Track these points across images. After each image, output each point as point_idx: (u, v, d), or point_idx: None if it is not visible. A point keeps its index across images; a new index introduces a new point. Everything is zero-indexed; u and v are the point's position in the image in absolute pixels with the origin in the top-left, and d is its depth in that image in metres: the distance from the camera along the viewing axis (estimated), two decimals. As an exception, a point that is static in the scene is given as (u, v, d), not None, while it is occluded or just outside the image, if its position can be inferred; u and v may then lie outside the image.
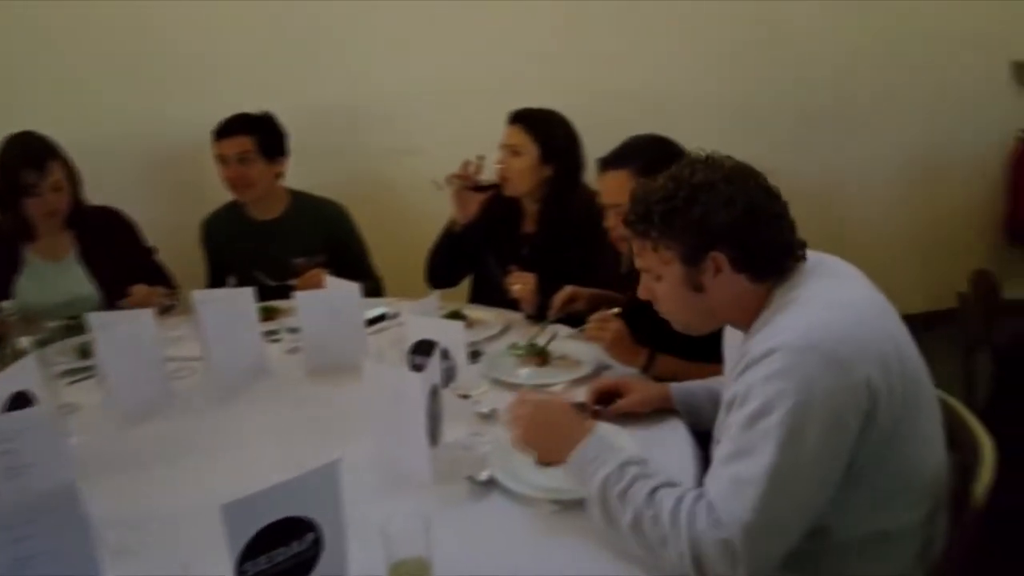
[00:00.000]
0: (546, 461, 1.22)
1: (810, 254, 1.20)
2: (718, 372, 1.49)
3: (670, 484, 1.10)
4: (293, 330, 1.92)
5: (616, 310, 1.77)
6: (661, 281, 1.21)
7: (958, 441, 1.26)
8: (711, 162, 1.18)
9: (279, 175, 2.48)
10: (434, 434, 1.36)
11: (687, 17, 3.05)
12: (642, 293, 1.26)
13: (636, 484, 1.09)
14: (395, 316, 2.03)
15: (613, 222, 1.73)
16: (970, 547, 1.17)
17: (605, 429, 1.25)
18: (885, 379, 1.05)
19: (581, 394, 1.56)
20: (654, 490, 1.08)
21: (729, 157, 1.20)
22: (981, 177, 3.47)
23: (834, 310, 1.09)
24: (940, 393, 1.25)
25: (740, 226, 1.12)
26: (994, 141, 3.43)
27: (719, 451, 1.10)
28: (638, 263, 1.24)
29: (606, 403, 1.52)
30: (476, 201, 2.19)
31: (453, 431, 1.43)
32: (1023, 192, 3.42)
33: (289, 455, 1.42)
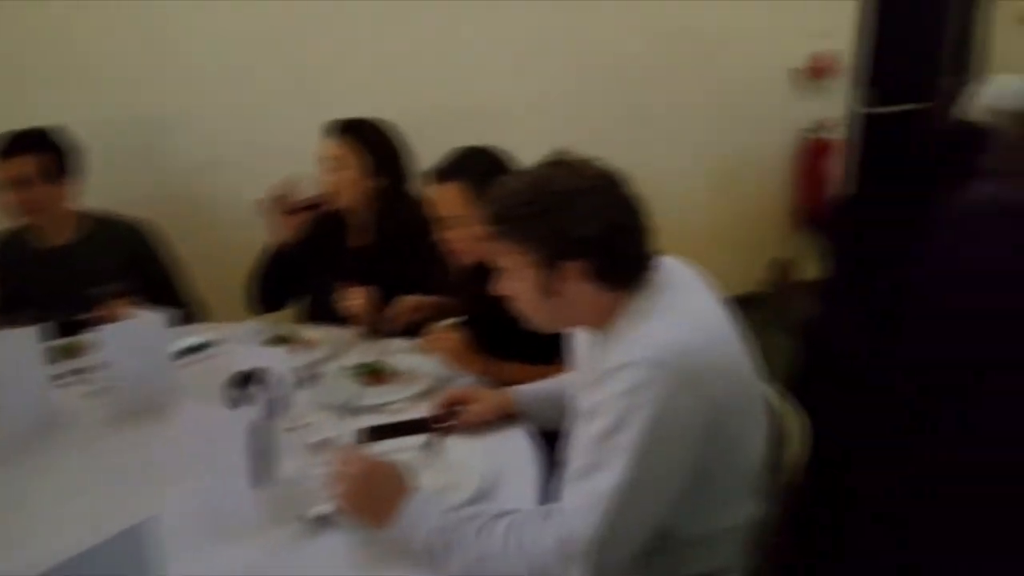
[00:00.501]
0: (370, 526, 1.16)
1: (664, 262, 1.22)
2: (562, 371, 1.51)
3: (500, 515, 1.10)
4: (94, 369, 1.72)
5: (455, 319, 1.74)
6: (516, 282, 1.19)
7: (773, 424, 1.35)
8: (576, 169, 1.16)
9: (68, 196, 2.21)
10: (262, 473, 1.26)
11: (493, 24, 3.08)
12: (498, 290, 1.24)
13: (462, 530, 1.08)
14: (213, 345, 1.88)
15: (449, 234, 1.71)
16: (787, 523, 1.25)
17: (428, 487, 1.22)
18: (731, 388, 1.10)
19: (423, 409, 1.52)
20: (480, 529, 1.08)
21: (595, 162, 1.17)
22: (773, 173, 3.81)
23: (685, 324, 1.10)
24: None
25: (600, 238, 1.11)
26: (780, 140, 3.78)
27: (572, 464, 1.10)
28: (495, 260, 1.22)
29: (451, 416, 1.49)
30: (293, 223, 2.08)
31: (287, 466, 1.34)
32: (807, 185, 3.81)
33: (93, 515, 1.26)
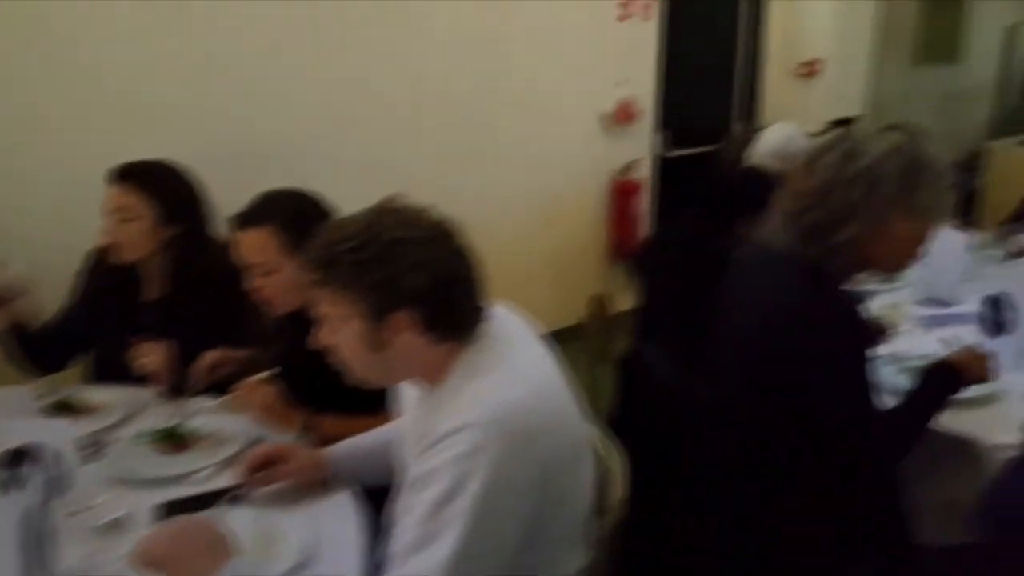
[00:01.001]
0: None
1: (495, 311, 1.19)
2: (386, 421, 1.44)
3: None
4: None
5: (267, 372, 1.63)
6: (339, 332, 1.12)
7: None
8: (407, 216, 1.11)
9: None
10: (37, 567, 1.09)
11: (311, 63, 2.99)
12: (317, 342, 1.16)
13: None
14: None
15: (257, 282, 1.60)
16: (612, 560, 1.27)
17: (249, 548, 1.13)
18: (561, 441, 1.09)
19: (232, 476, 1.39)
20: None
21: (427, 211, 1.13)
22: (589, 212, 4.00)
23: (518, 380, 1.08)
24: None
25: (430, 289, 1.07)
26: (594, 181, 3.98)
27: (404, 536, 1.04)
28: (315, 310, 1.14)
29: (261, 478, 1.37)
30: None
31: (70, 555, 1.17)
32: (619, 223, 4.02)
33: None
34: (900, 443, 1.43)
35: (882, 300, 2.30)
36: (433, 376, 1.14)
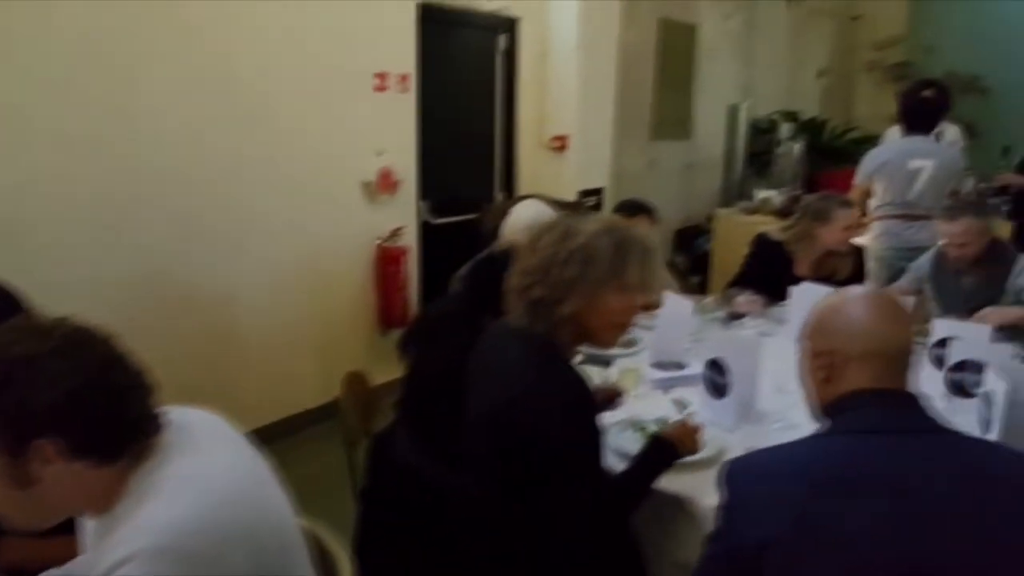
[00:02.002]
0: None
1: (174, 418, 1.06)
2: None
3: None
4: None
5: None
6: None
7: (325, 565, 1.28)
8: (38, 331, 0.96)
9: None
10: None
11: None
12: None
13: None
14: None
15: None
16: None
17: None
18: (262, 549, 0.99)
19: None
20: None
21: (64, 320, 0.98)
22: (355, 281, 3.91)
23: (195, 497, 0.96)
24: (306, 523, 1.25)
25: (71, 407, 0.93)
26: (361, 250, 3.91)
27: None
28: None
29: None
30: None
31: None
32: (385, 290, 3.97)
33: None
34: (620, 509, 1.52)
35: (622, 364, 2.44)
36: (101, 505, 0.99)
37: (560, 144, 4.63)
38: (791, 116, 6.63)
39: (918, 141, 4.03)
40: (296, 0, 3.38)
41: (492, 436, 1.48)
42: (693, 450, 1.64)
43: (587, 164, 4.70)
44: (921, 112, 4.05)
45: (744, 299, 2.90)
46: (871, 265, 4.06)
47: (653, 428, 1.93)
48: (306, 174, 3.56)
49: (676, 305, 2.59)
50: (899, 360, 1.18)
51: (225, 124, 3.23)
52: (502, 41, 4.49)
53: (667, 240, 6.21)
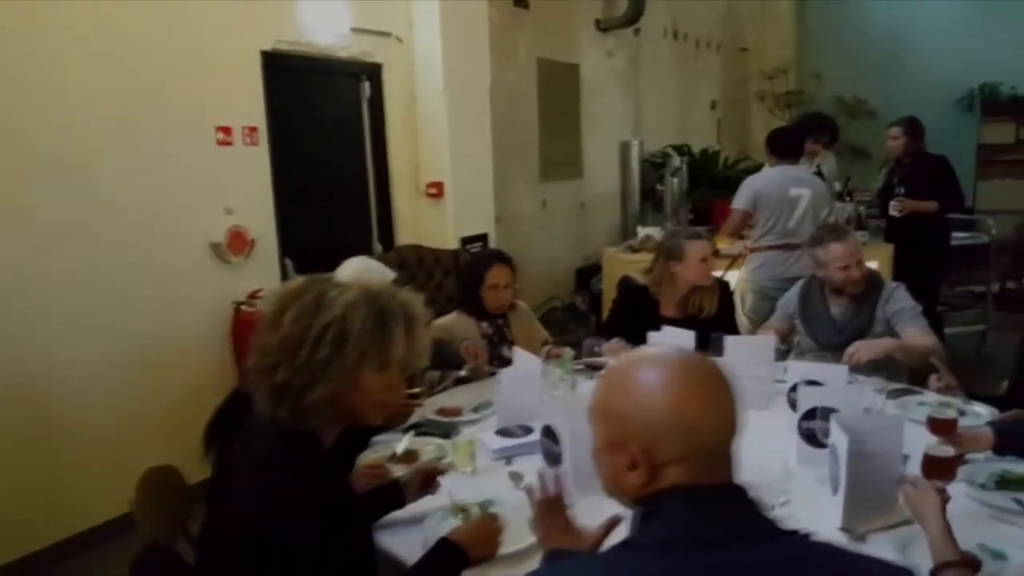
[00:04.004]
0: None
1: None
2: None
3: None
4: None
5: None
6: None
7: None
8: None
9: None
10: None
11: None
12: None
13: None
14: None
15: None
16: None
17: None
18: None
19: None
20: None
21: None
22: (209, 348, 3.58)
23: None
24: None
25: None
26: (215, 315, 3.59)
27: None
28: None
29: None
30: None
31: None
32: (246, 356, 3.65)
33: None
34: None
35: (468, 432, 2.22)
36: None
37: (436, 191, 4.44)
38: (682, 149, 6.62)
39: (793, 170, 4.02)
40: (120, 50, 3.10)
41: (230, 541, 1.23)
42: (488, 554, 1.40)
43: (466, 210, 4.51)
44: (780, 139, 4.10)
45: (608, 346, 2.71)
46: (749, 298, 3.97)
47: (476, 513, 1.70)
48: (137, 238, 3.24)
49: (523, 361, 2.38)
50: (717, 450, 0.93)
51: (39, 187, 2.92)
52: (367, 88, 4.30)
53: (567, 280, 6.06)
